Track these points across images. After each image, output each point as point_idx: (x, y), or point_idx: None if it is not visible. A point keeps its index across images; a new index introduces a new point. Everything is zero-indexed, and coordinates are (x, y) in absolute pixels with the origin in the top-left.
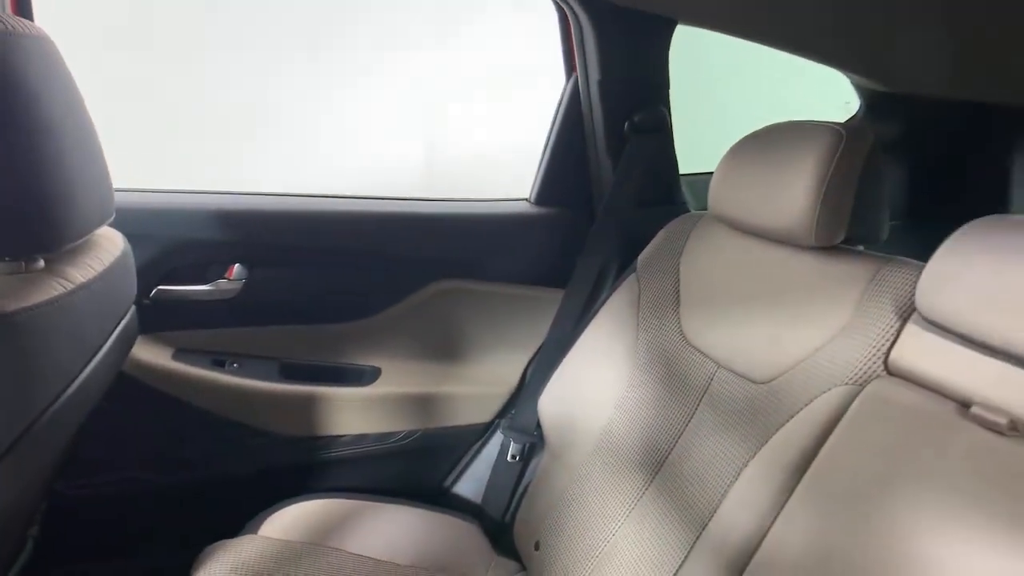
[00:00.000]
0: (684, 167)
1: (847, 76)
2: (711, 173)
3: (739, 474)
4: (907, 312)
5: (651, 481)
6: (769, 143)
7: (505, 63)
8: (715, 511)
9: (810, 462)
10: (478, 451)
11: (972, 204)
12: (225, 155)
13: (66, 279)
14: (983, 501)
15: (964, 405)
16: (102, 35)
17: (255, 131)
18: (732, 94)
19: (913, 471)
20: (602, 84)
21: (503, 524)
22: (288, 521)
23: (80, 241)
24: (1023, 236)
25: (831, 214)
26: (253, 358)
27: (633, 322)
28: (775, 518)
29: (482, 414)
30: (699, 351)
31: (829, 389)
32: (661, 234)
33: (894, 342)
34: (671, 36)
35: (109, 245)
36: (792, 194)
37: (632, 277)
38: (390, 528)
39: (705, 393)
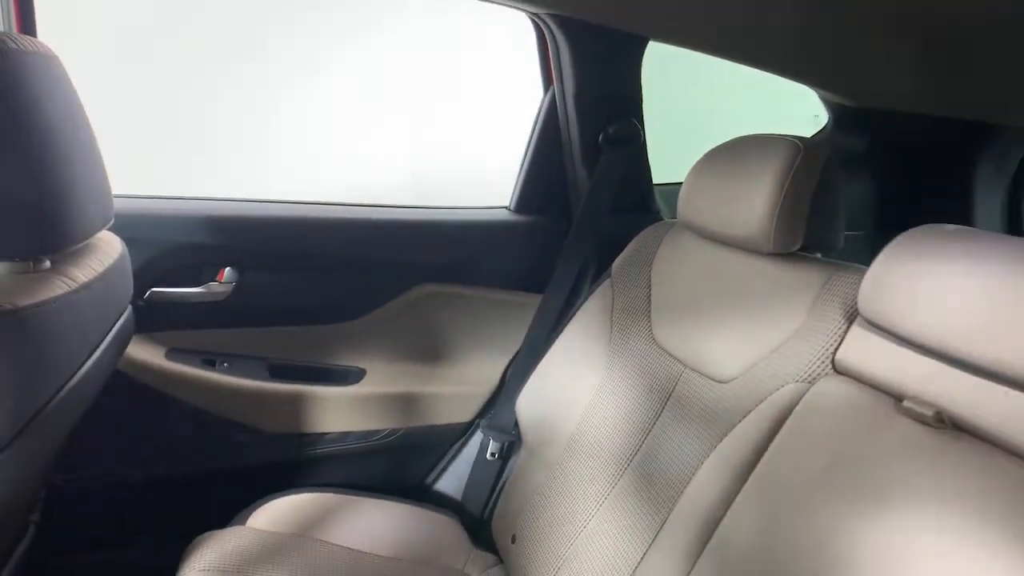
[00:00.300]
0: (671, 176)
1: (815, 91)
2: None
3: (699, 467)
4: (853, 315)
5: (621, 476)
6: (733, 155)
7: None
8: (676, 502)
9: (761, 454)
10: (459, 449)
11: (936, 213)
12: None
13: (70, 278)
14: (912, 489)
15: (898, 399)
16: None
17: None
18: (709, 107)
19: (852, 462)
20: (577, 97)
21: (482, 519)
22: (275, 514)
23: (82, 244)
24: (952, 244)
25: (788, 223)
26: (243, 358)
27: (607, 326)
28: (728, 507)
29: (463, 413)
30: (667, 353)
31: (781, 387)
32: (634, 242)
33: (840, 342)
34: (643, 52)
35: (108, 248)
36: (752, 203)
37: (607, 283)
38: (373, 522)
39: (672, 393)
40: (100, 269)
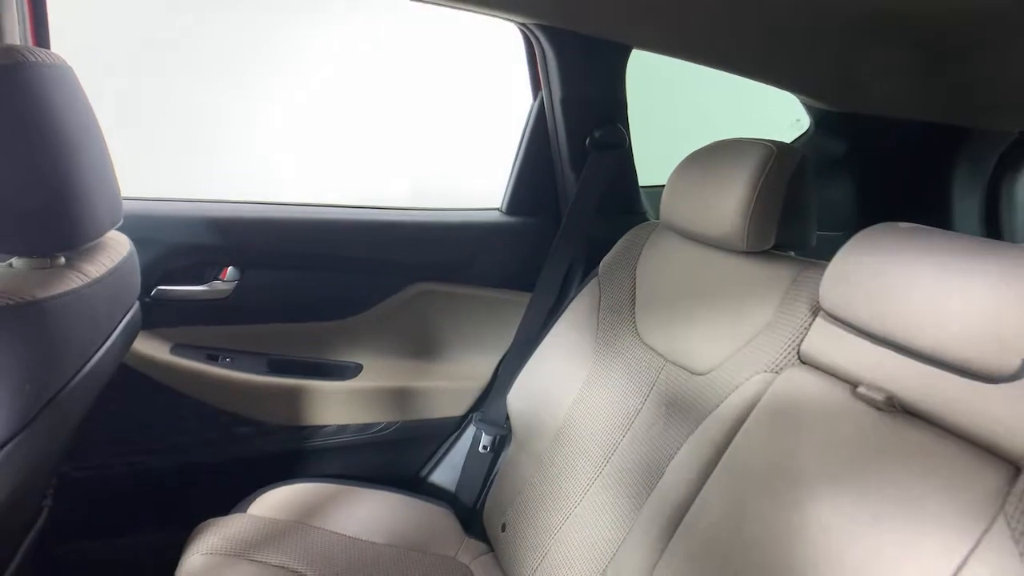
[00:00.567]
0: (660, 179)
1: (796, 96)
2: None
3: (675, 455)
4: (817, 308)
5: (604, 466)
6: (712, 158)
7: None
8: (654, 488)
9: (730, 441)
10: (453, 442)
11: (914, 214)
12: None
13: (83, 274)
14: (863, 468)
15: (854, 386)
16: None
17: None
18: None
19: (811, 446)
20: (564, 104)
21: (474, 510)
22: (275, 502)
23: (94, 242)
24: (904, 241)
25: (761, 222)
26: (244, 353)
27: (593, 323)
28: (699, 490)
29: (456, 408)
30: (650, 348)
31: (750, 377)
32: (620, 242)
33: (805, 335)
34: (627, 60)
35: (118, 246)
36: (727, 204)
37: (594, 281)
38: (369, 511)
39: (653, 386)
40: (110, 265)
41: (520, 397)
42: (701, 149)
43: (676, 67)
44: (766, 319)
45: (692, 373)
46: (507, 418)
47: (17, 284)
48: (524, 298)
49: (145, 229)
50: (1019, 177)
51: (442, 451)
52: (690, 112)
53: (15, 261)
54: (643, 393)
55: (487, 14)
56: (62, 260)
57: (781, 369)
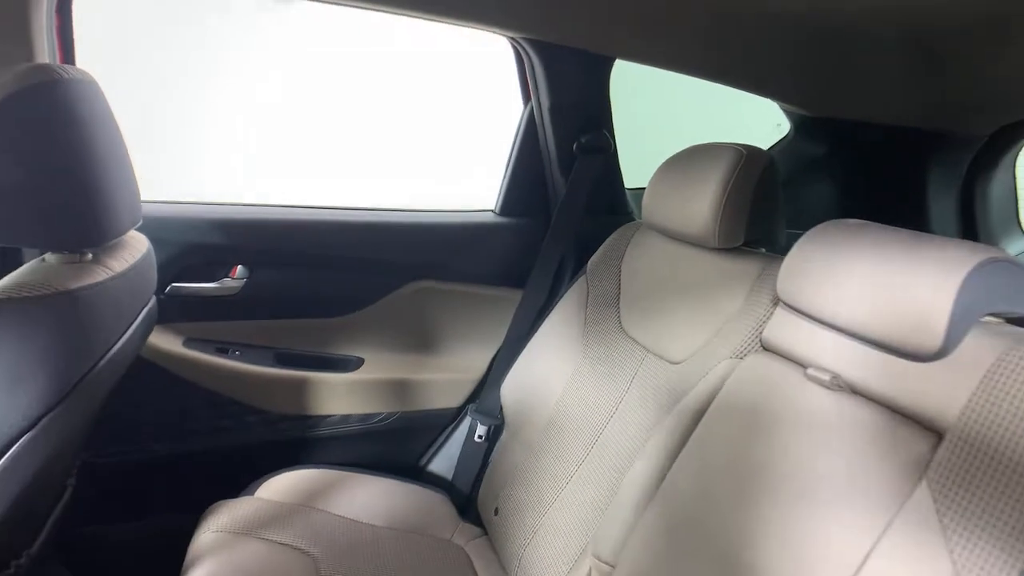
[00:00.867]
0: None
1: (776, 102)
2: None
3: (651, 435)
4: (777, 299)
5: (590, 451)
6: (688, 161)
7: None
8: (632, 465)
9: (699, 421)
10: (450, 433)
11: (892, 215)
12: None
13: (108, 268)
14: (810, 443)
15: (805, 368)
16: None
17: None
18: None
19: (767, 423)
20: (552, 111)
21: (470, 497)
22: (281, 486)
23: (117, 240)
24: (851, 236)
25: (731, 220)
26: (252, 347)
27: (581, 318)
28: (671, 466)
29: (453, 399)
30: (633, 340)
31: (719, 363)
32: (607, 241)
33: (766, 323)
34: (610, 70)
35: (138, 244)
36: (701, 204)
37: (583, 278)
38: (369, 495)
39: (635, 375)
40: (132, 261)
41: (513, 389)
42: (680, 152)
43: (668, 77)
44: (734, 310)
45: (669, 362)
46: (501, 409)
47: (50, 276)
48: (516, 295)
49: (161, 230)
50: (992, 178)
51: (439, 441)
52: (685, 118)
53: (48, 256)
54: (626, 382)
55: (479, 29)
56: (89, 255)
57: (745, 355)
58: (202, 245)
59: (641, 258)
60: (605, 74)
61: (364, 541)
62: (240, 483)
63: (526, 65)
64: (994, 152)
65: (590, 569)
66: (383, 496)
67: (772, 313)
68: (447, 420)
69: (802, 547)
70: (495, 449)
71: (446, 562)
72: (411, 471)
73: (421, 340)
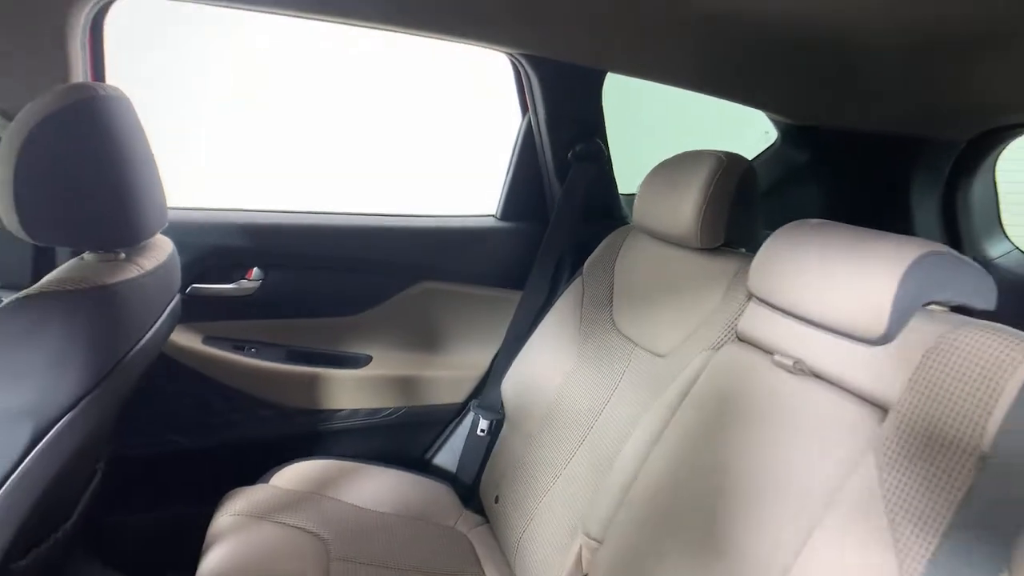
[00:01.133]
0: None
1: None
2: None
3: (637, 423)
4: (750, 293)
5: (584, 440)
6: (674, 168)
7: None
8: (620, 450)
9: (678, 408)
10: (454, 427)
11: (876, 219)
12: None
13: (139, 266)
14: (774, 423)
15: (772, 355)
16: None
17: None
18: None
19: (737, 406)
20: (548, 122)
21: (472, 487)
22: (294, 475)
23: (146, 241)
24: (812, 234)
25: (711, 222)
26: (267, 345)
27: (577, 316)
28: (653, 449)
29: (456, 395)
30: (624, 336)
31: (699, 354)
32: (602, 244)
33: (741, 315)
34: (602, 83)
35: (164, 246)
36: (684, 207)
37: (579, 279)
38: (377, 485)
39: (626, 369)
40: (159, 261)
41: (513, 384)
42: (667, 160)
43: (669, 91)
44: (714, 305)
45: (656, 355)
46: (502, 404)
47: (88, 273)
48: (516, 295)
49: (183, 234)
50: (973, 182)
51: (444, 434)
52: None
53: (86, 255)
54: (618, 375)
55: (480, 46)
56: (122, 255)
57: (721, 346)
58: (221, 248)
59: (633, 259)
60: (597, 86)
61: (372, 526)
62: (255, 473)
63: (523, 79)
64: (974, 157)
65: (580, 546)
66: (390, 486)
67: (746, 306)
68: (451, 415)
69: (763, 513)
70: (496, 442)
71: (449, 547)
72: (417, 463)
73: (426, 338)
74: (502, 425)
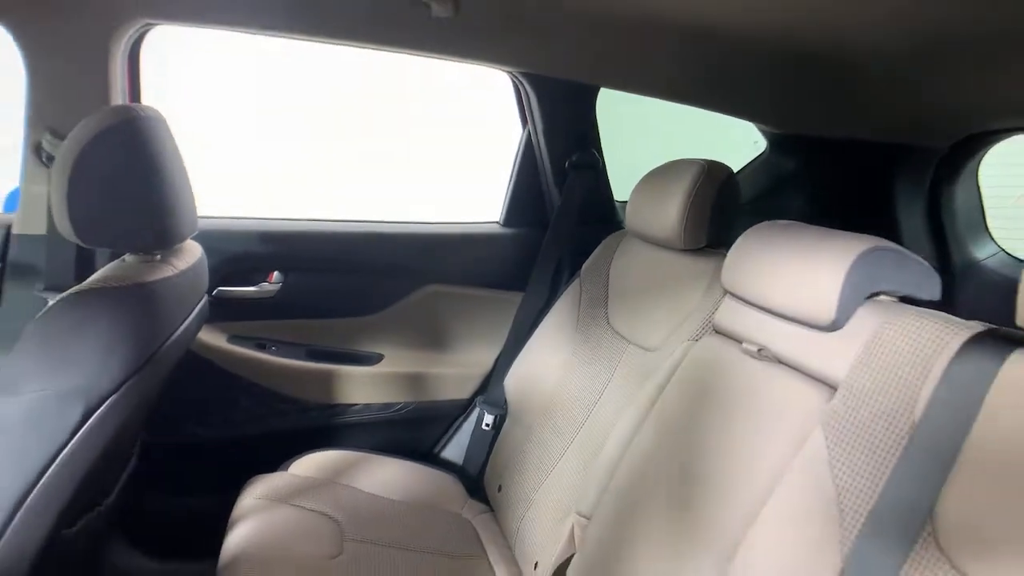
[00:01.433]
0: None
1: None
2: None
3: (624, 412)
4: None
5: (580, 430)
6: (661, 175)
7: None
8: (608, 437)
9: (659, 396)
10: (461, 422)
11: (862, 225)
12: None
13: (174, 266)
14: (740, 404)
15: (740, 343)
16: None
17: None
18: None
19: (710, 391)
20: (546, 134)
21: (478, 478)
22: (311, 464)
23: (179, 245)
24: (775, 234)
25: (694, 225)
26: (287, 343)
27: (575, 316)
28: (637, 432)
29: (462, 391)
30: (618, 333)
31: (679, 346)
32: (598, 248)
33: (717, 309)
34: (596, 97)
35: (194, 250)
36: (669, 211)
37: (577, 282)
38: (389, 475)
39: (619, 364)
40: (190, 263)
41: (515, 380)
42: (656, 168)
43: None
44: (696, 301)
45: (645, 350)
46: (505, 399)
47: (129, 272)
48: (519, 297)
49: (210, 240)
50: (956, 186)
51: (451, 429)
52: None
53: (127, 257)
54: (611, 369)
55: (481, 65)
56: (159, 256)
57: (700, 338)
58: (245, 254)
59: (626, 262)
60: (591, 100)
61: (383, 511)
62: (276, 463)
63: (522, 94)
64: (956, 162)
65: (572, 524)
66: (401, 476)
67: (722, 301)
68: (458, 410)
69: (724, 486)
70: (500, 434)
71: (455, 531)
72: (425, 457)
73: (434, 338)
74: (505, 419)
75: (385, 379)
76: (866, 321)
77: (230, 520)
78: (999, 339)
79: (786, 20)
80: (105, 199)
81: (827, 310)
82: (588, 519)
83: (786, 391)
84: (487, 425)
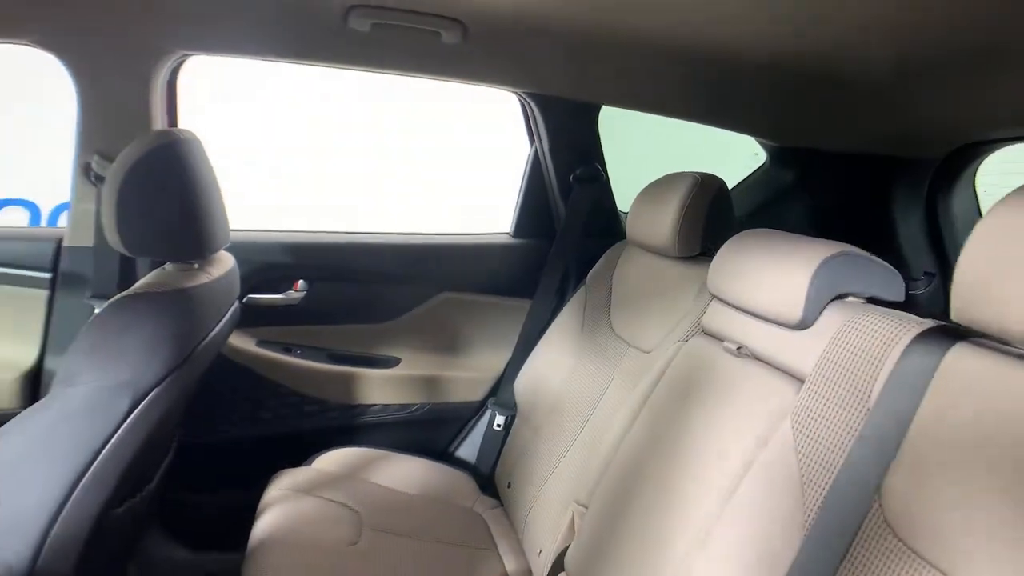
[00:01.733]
0: None
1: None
2: None
3: (621, 409)
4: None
5: (583, 428)
6: (658, 187)
7: None
8: (604, 434)
9: (652, 392)
10: (474, 423)
11: (860, 235)
12: None
13: (209, 274)
14: (720, 398)
15: (722, 342)
16: None
17: None
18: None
19: (695, 387)
20: (551, 150)
21: (490, 476)
22: (333, 460)
23: (214, 254)
24: (755, 241)
25: (687, 234)
26: (311, 348)
27: (580, 322)
28: (631, 427)
29: (475, 393)
30: (619, 337)
31: (671, 346)
32: (603, 257)
33: (705, 311)
34: (598, 115)
35: (227, 260)
36: (665, 221)
37: (582, 289)
38: (405, 471)
39: (620, 365)
40: (224, 271)
41: (524, 383)
42: (654, 180)
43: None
44: (688, 305)
45: (643, 351)
46: (515, 401)
47: (170, 279)
48: (527, 304)
49: (242, 251)
50: (953, 195)
51: (464, 430)
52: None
53: (168, 265)
54: (612, 371)
55: (490, 87)
56: (196, 265)
57: (689, 339)
58: (272, 264)
59: (627, 269)
60: (593, 118)
61: (399, 504)
62: (300, 459)
63: (529, 113)
64: (951, 172)
65: (573, 513)
66: (416, 472)
67: (709, 304)
68: (471, 411)
69: (705, 469)
70: (510, 434)
71: (466, 524)
72: (440, 455)
73: (448, 343)
74: (515, 420)
75: (402, 381)
76: (832, 320)
77: (258, 509)
78: (945, 334)
79: (782, 41)
80: (149, 214)
81: (795, 310)
82: (585, 507)
83: (760, 385)
84: (498, 426)
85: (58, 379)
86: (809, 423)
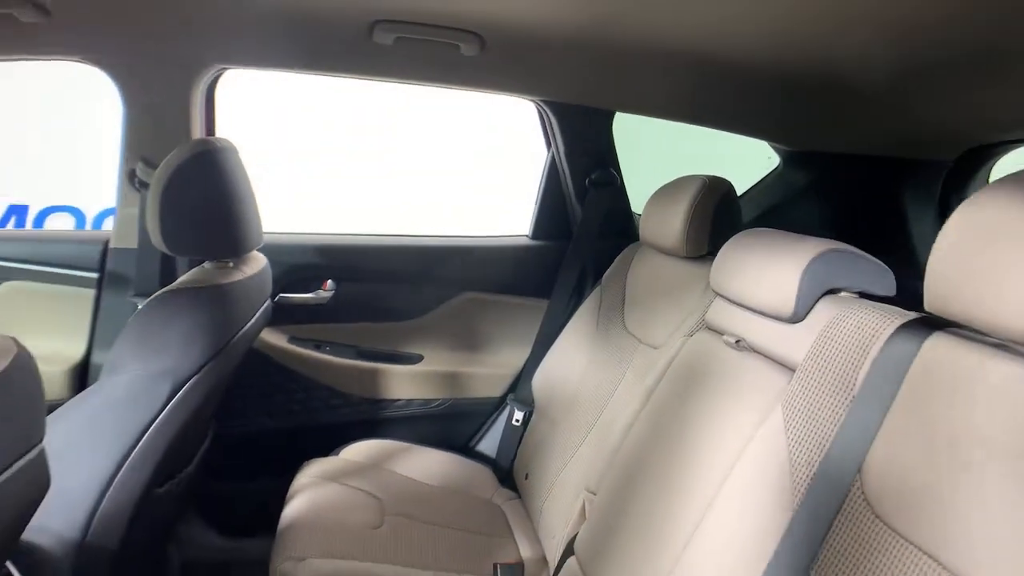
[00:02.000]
0: None
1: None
2: None
3: (630, 402)
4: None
5: (596, 421)
6: (668, 190)
7: None
8: (614, 425)
9: (656, 386)
10: (494, 418)
11: (872, 236)
12: None
13: (243, 272)
14: (718, 389)
15: (722, 335)
16: None
17: None
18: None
19: (695, 380)
20: (567, 155)
21: (509, 469)
22: (359, 452)
23: (248, 254)
24: (754, 240)
25: (696, 235)
26: (339, 344)
27: (595, 320)
28: (638, 417)
29: (495, 389)
30: (632, 335)
31: (677, 341)
32: (617, 259)
33: (709, 307)
34: (612, 121)
35: (260, 259)
36: (674, 222)
37: (597, 289)
38: (427, 463)
39: (632, 361)
40: (257, 269)
41: (542, 379)
42: (666, 184)
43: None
44: (694, 302)
45: (652, 347)
46: (534, 397)
47: (207, 276)
48: (545, 304)
49: (274, 252)
50: (965, 196)
51: (485, 425)
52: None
53: (206, 264)
54: (624, 367)
55: (508, 95)
56: (231, 264)
57: (694, 334)
58: (303, 265)
59: (640, 269)
60: (608, 124)
61: (421, 495)
62: (328, 450)
63: (545, 120)
64: (963, 174)
65: (583, 500)
66: (438, 464)
67: (713, 300)
68: (491, 407)
69: (702, 456)
70: (528, 429)
71: (485, 514)
72: (461, 448)
73: (469, 340)
74: (533, 416)
75: (425, 377)
76: (824, 313)
77: (288, 494)
78: (924, 324)
79: (792, 47)
80: (189, 215)
81: (788, 304)
82: (595, 495)
83: (755, 375)
84: (517, 421)
85: (105, 368)
86: (798, 410)
